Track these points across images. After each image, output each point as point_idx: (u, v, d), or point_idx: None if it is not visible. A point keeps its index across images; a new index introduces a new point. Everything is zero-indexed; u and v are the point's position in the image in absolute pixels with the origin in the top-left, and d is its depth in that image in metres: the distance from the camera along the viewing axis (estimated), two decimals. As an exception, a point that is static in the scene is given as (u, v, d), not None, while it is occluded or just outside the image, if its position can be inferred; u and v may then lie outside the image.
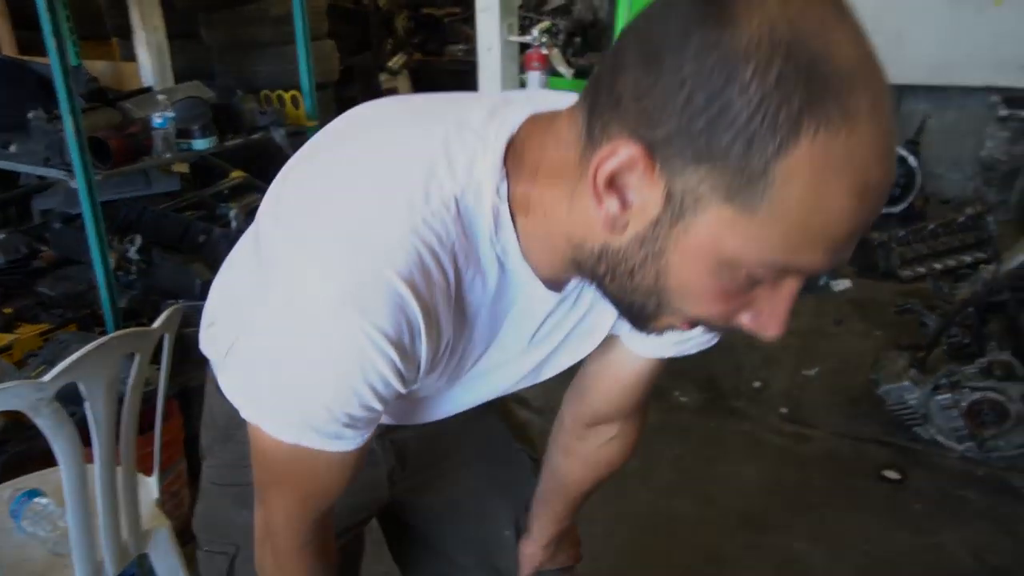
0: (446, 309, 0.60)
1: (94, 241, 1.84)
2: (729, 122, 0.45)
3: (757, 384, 2.78)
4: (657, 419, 2.55)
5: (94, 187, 1.82)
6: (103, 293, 1.87)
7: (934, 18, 4.35)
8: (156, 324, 1.22)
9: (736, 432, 2.53)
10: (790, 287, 0.53)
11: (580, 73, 2.91)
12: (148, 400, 1.36)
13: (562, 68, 2.54)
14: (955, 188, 4.64)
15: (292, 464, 0.68)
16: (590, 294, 0.69)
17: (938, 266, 3.44)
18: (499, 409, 1.07)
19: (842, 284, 3.48)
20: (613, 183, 0.51)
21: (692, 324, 0.58)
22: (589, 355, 0.80)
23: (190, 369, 1.75)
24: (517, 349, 0.73)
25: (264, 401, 0.65)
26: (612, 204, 0.52)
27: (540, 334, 0.72)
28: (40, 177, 2.29)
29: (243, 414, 0.67)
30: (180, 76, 3.23)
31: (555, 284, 0.65)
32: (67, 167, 1.86)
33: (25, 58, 2.67)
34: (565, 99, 0.63)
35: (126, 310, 2.00)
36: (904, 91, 4.63)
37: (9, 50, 4.41)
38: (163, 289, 2.13)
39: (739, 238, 0.48)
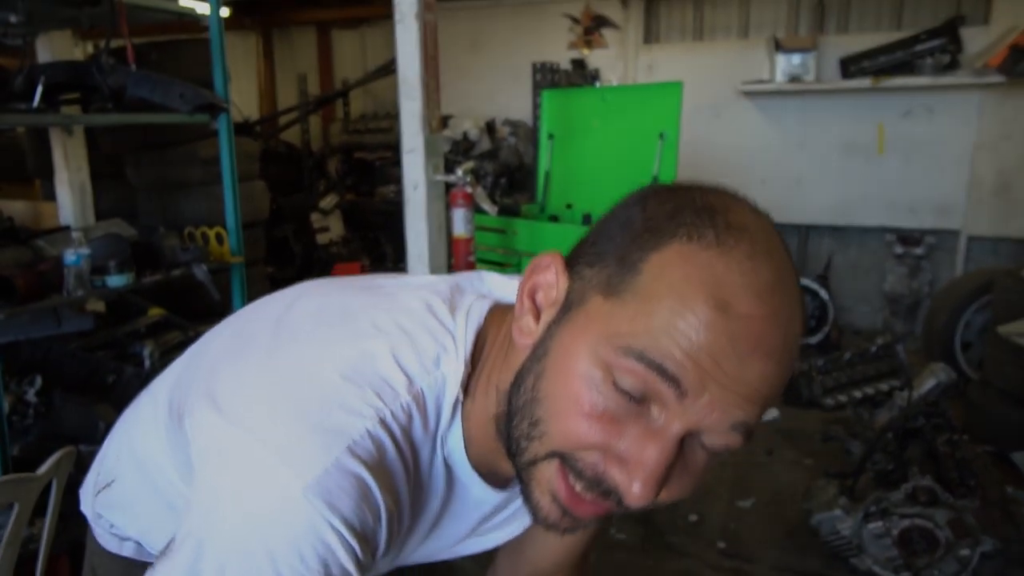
0: (407, 499, 0.59)
1: (-12, 382, 1.72)
2: (627, 230, 0.53)
3: (693, 518, 2.72)
4: (594, 558, 2.43)
5: (-6, 325, 1.72)
6: (-8, 439, 1.72)
7: (829, 165, 4.77)
8: (42, 469, 1.12)
9: (675, 571, 2.44)
10: (660, 438, 0.50)
11: (504, 211, 3.03)
12: (31, 558, 1.22)
13: (486, 205, 2.63)
14: (865, 320, 4.90)
15: None
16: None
17: (857, 394, 3.54)
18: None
19: (770, 413, 3.54)
20: (534, 294, 0.56)
21: (565, 474, 0.54)
22: (510, 544, 0.80)
23: (85, 521, 1.60)
24: (455, 537, 0.71)
25: None
26: (527, 318, 0.56)
27: (486, 527, 0.72)
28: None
29: None
30: (105, 215, 3.20)
31: (498, 480, 0.65)
32: (-34, 305, 1.77)
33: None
34: (512, 285, 0.65)
35: (18, 458, 1.84)
36: (810, 231, 4.98)
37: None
38: (63, 434, 1.98)
39: (606, 323, 0.50)
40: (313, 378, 0.56)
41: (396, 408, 0.56)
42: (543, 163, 3.26)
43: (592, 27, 5.85)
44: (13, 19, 1.87)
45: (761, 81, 4.71)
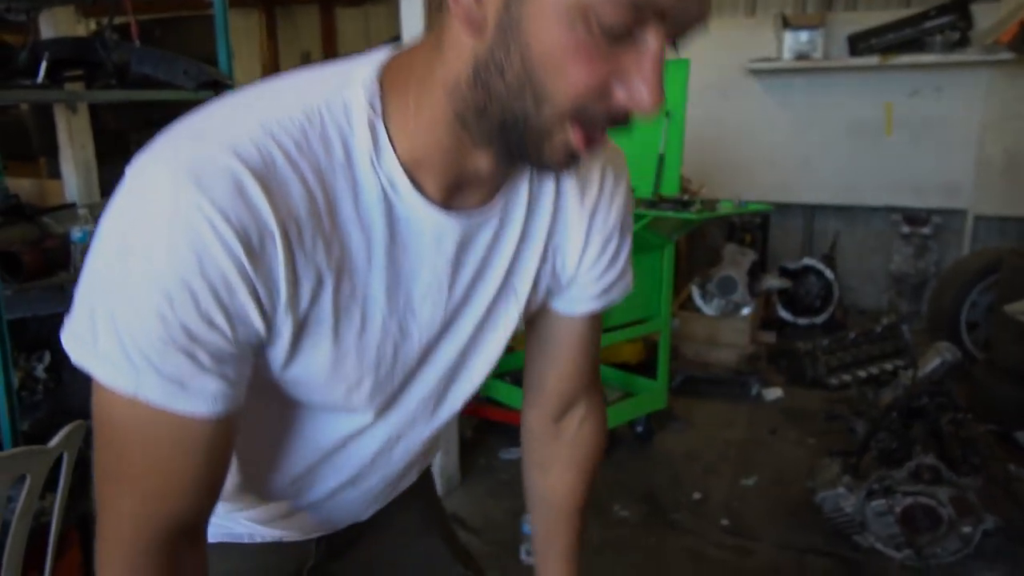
0: (315, 232, 0.56)
1: (-3, 358, 1.73)
2: None
3: (697, 496, 2.74)
4: (597, 536, 2.46)
5: (2, 302, 1.73)
6: (2, 414, 1.74)
7: (836, 145, 4.73)
8: (53, 442, 1.13)
9: (678, 547, 2.46)
10: (652, 45, 0.52)
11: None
12: (43, 531, 1.24)
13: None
14: (870, 300, 4.90)
15: (131, 435, 0.56)
16: (492, 235, 0.67)
17: (862, 373, 3.55)
18: (440, 530, 1.01)
19: (774, 393, 3.55)
20: None
21: (582, 126, 0.54)
22: (530, 350, 0.84)
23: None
24: (434, 320, 0.68)
25: (96, 332, 0.53)
26: (468, 2, 0.52)
27: (454, 298, 0.68)
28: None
29: (73, 358, 0.56)
30: (110, 192, 3.19)
31: (450, 200, 0.63)
32: (-26, 280, 1.77)
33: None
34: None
35: (28, 434, 1.85)
36: (816, 210, 4.96)
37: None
38: (72, 409, 1.99)
39: None
40: (205, 115, 0.57)
41: (286, 120, 0.55)
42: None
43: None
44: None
45: (768, 59, 4.66)
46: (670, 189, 2.88)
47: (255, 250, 0.53)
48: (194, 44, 3.42)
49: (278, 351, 0.60)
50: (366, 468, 0.77)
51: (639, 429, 3.08)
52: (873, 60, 4.33)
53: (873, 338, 3.68)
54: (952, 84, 4.38)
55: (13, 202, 2.31)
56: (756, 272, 3.85)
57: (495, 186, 0.66)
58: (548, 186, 0.72)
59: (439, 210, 0.62)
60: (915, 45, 4.30)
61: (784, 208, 4.88)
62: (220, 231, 0.51)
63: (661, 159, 2.90)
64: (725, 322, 3.70)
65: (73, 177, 2.92)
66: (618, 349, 3.33)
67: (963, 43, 4.23)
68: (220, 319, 0.53)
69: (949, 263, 4.45)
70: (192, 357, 0.53)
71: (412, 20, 2.27)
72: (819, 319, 4.30)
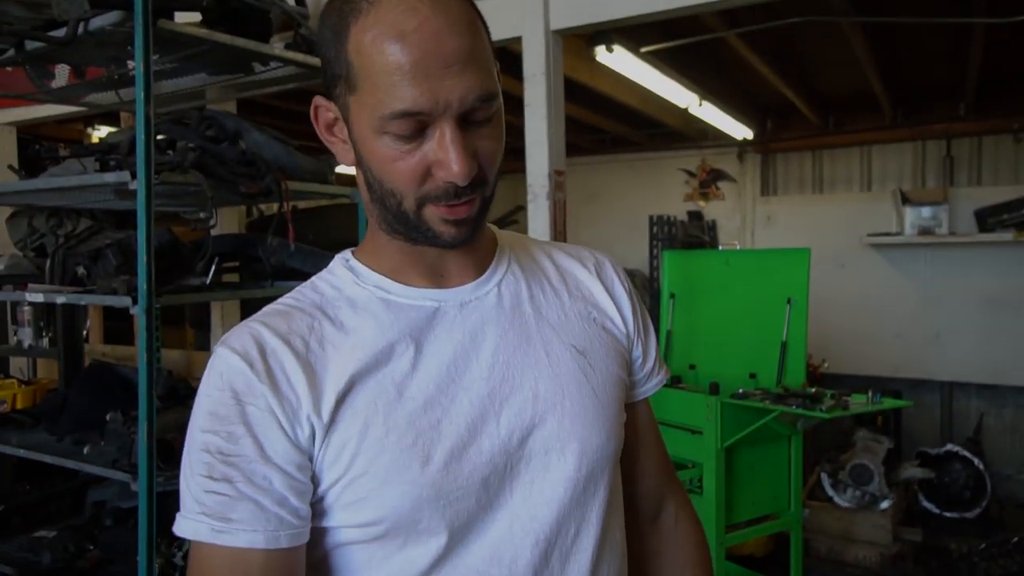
0: (321, 342, 0.69)
1: (143, 545, 1.82)
2: (327, 47, 0.68)
3: None
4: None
5: (154, 491, 1.84)
6: (140, 603, 1.80)
7: (971, 320, 4.48)
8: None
9: None
10: (444, 132, 0.64)
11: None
12: None
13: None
14: (1028, 490, 4.40)
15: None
16: (505, 299, 0.75)
17: (1030, 585, 3.12)
18: None
19: (924, 601, 3.16)
20: (330, 130, 0.72)
21: (437, 203, 0.66)
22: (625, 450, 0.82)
23: None
24: (482, 378, 0.71)
25: (182, 499, 0.67)
26: (338, 147, 0.72)
27: (488, 363, 0.71)
28: (102, 471, 2.34)
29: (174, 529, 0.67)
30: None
31: (441, 284, 0.74)
32: (132, 468, 1.91)
33: (112, 362, 2.88)
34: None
35: (160, 620, 1.90)
36: (954, 388, 4.62)
37: (97, 337, 4.81)
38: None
39: (363, 107, 0.66)
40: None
41: (294, 294, 0.74)
42: (665, 322, 3.25)
43: (708, 180, 5.97)
44: (203, 215, 2.13)
45: (889, 234, 4.58)
46: (795, 378, 2.78)
47: (256, 362, 0.66)
48: (336, 229, 3.75)
49: (324, 463, 0.66)
50: None
51: (771, 639, 2.80)
52: (1007, 235, 4.17)
53: (1039, 542, 3.26)
54: (1099, 258, 4.13)
55: (170, 384, 2.52)
56: (893, 460, 3.57)
57: (475, 261, 0.76)
58: (533, 263, 0.81)
59: (433, 288, 0.73)
60: (1051, 220, 4.13)
61: (917, 385, 4.59)
62: (229, 360, 0.66)
63: (784, 346, 2.83)
64: (862, 515, 3.40)
65: (220, 354, 3.18)
66: (742, 540, 3.11)
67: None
68: (242, 431, 0.65)
69: (1121, 453, 3.98)
70: (230, 483, 0.64)
71: (539, 220, 2.40)
72: (970, 513, 3.87)
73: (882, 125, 4.92)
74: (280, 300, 0.73)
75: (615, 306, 0.82)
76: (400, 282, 0.73)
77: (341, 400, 0.66)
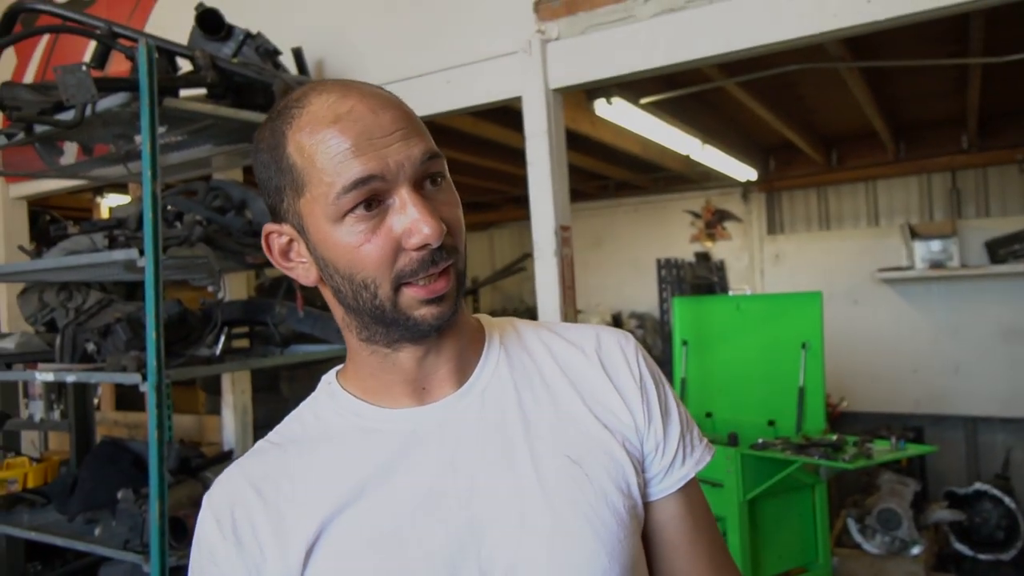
0: (294, 484, 0.69)
1: (154, 630, 1.77)
2: (268, 163, 0.69)
3: None
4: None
5: (166, 570, 1.80)
6: None
7: (992, 352, 4.41)
8: None
9: None
10: (403, 198, 0.65)
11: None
12: None
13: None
14: (1063, 527, 4.26)
15: None
16: (488, 411, 0.71)
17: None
18: None
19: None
20: (285, 256, 0.72)
21: (413, 283, 0.66)
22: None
23: None
24: (460, 507, 0.66)
25: None
26: (298, 268, 0.71)
27: (462, 479, 0.67)
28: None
29: None
30: (259, 426, 3.41)
31: (424, 401, 0.72)
32: (144, 548, 1.87)
33: (122, 438, 2.87)
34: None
35: None
36: (978, 423, 4.53)
37: (108, 404, 4.80)
38: None
39: (316, 202, 0.66)
40: None
41: (286, 426, 0.75)
42: (678, 370, 3.22)
43: (714, 220, 5.98)
44: (211, 288, 2.13)
45: (899, 268, 4.55)
46: (815, 424, 2.73)
47: (225, 524, 0.68)
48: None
49: None
50: None
51: None
52: (1020, 267, 4.13)
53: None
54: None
55: (182, 456, 2.49)
56: (920, 502, 3.47)
57: (457, 366, 0.72)
58: (527, 357, 0.76)
59: (413, 407, 0.71)
60: (1063, 249, 4.09)
61: (940, 420, 4.50)
62: (204, 517, 0.70)
63: (802, 392, 2.78)
64: (893, 562, 3.30)
65: (231, 420, 3.15)
66: (772, 595, 3.01)
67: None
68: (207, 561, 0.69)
69: None
70: None
71: (546, 276, 2.39)
72: (1006, 555, 3.75)
73: (885, 160, 4.93)
74: (271, 433, 0.75)
75: (617, 394, 0.74)
76: (379, 404, 0.71)
77: (311, 550, 0.66)
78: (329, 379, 0.77)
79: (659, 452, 0.75)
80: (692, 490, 0.77)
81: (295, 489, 0.68)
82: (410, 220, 0.64)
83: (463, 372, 0.72)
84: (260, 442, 0.74)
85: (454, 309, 0.68)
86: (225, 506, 0.69)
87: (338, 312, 0.72)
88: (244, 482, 0.70)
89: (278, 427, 0.75)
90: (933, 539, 3.69)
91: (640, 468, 0.74)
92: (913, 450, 2.42)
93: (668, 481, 0.75)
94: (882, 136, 4.47)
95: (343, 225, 0.65)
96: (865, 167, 5.09)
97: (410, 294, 0.66)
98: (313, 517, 0.66)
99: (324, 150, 0.64)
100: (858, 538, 3.39)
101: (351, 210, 0.64)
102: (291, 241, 0.70)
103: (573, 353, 0.76)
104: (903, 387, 4.58)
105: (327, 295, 0.72)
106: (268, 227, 0.71)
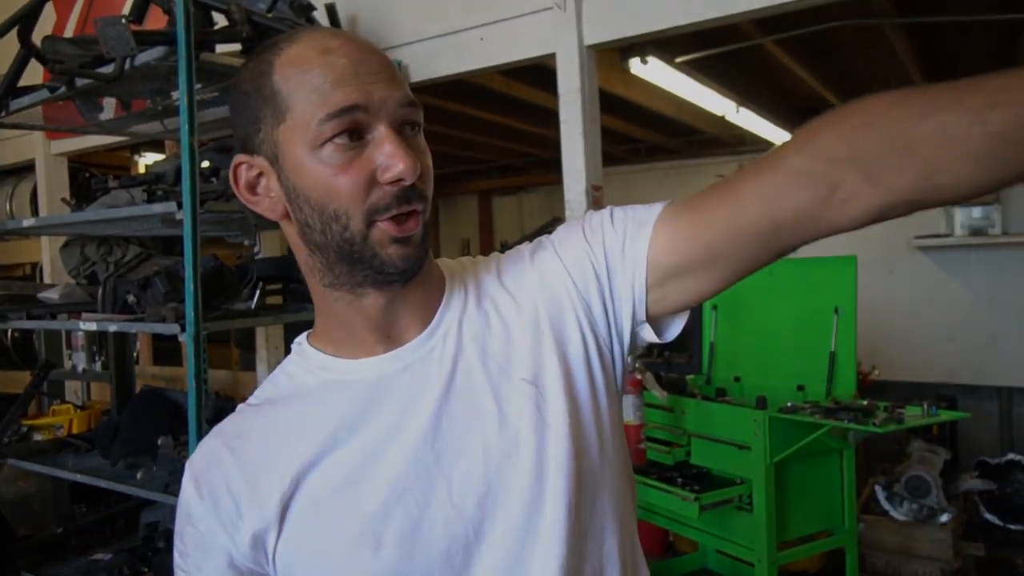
0: (268, 442, 0.72)
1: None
2: (243, 102, 0.70)
3: None
4: None
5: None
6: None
7: (1028, 322, 4.32)
8: None
9: None
10: (381, 132, 0.66)
11: (670, 386, 2.96)
12: None
13: (656, 391, 2.60)
14: (1097, 500, 4.20)
15: None
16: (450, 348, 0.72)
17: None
18: None
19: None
20: (252, 191, 0.71)
21: (385, 218, 0.66)
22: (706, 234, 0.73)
23: None
24: (427, 444, 0.68)
25: None
26: (264, 201, 0.71)
27: (426, 418, 0.69)
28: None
29: None
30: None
31: (393, 347, 0.73)
32: (183, 493, 1.95)
33: (162, 387, 2.95)
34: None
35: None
36: (1014, 393, 4.45)
37: (147, 358, 4.93)
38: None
39: (296, 128, 0.66)
40: None
41: (262, 388, 0.77)
42: (708, 335, 3.20)
43: (747, 186, 5.88)
44: (247, 242, 2.17)
45: (938, 235, 4.45)
46: (845, 389, 2.71)
47: (202, 483, 0.71)
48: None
49: (278, 566, 0.70)
50: None
51: (828, 659, 2.71)
52: (1064, 235, 4.02)
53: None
54: None
55: (218, 406, 2.56)
56: (951, 471, 3.45)
57: (422, 312, 0.73)
58: (489, 286, 0.76)
59: (378, 356, 0.72)
60: (1112, 217, 3.96)
61: (974, 390, 4.43)
62: (185, 481, 0.74)
63: (833, 357, 2.75)
64: (920, 530, 3.29)
65: (265, 375, 3.22)
66: (795, 559, 3.03)
67: None
68: (190, 550, 0.73)
69: None
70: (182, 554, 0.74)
71: (576, 198, 2.37)
72: (1041, 530, 3.70)
73: (927, 124, 4.78)
74: (250, 397, 0.78)
75: (550, 281, 0.74)
76: (346, 356, 0.73)
77: (287, 504, 0.68)
78: (300, 340, 0.78)
79: (615, 270, 0.73)
80: (664, 219, 0.73)
81: (269, 446, 0.71)
82: (387, 154, 0.65)
83: (426, 318, 0.73)
84: (240, 405, 0.77)
85: (421, 255, 0.69)
86: (202, 468, 0.72)
87: (301, 254, 0.71)
88: (219, 443, 0.73)
89: (256, 391, 0.78)
90: (962, 508, 3.66)
91: (611, 314, 0.74)
92: (945, 416, 2.40)
93: (638, 265, 0.72)
94: (925, 99, 4.32)
95: (321, 152, 0.65)
96: (906, 132, 4.95)
97: (383, 228, 0.66)
98: (287, 472, 0.69)
99: (311, 77, 0.65)
100: (886, 505, 3.38)
101: (331, 138, 0.65)
102: (260, 175, 0.70)
103: (516, 270, 0.77)
104: (937, 357, 4.51)
105: (291, 234, 0.72)
106: (239, 158, 0.71)
